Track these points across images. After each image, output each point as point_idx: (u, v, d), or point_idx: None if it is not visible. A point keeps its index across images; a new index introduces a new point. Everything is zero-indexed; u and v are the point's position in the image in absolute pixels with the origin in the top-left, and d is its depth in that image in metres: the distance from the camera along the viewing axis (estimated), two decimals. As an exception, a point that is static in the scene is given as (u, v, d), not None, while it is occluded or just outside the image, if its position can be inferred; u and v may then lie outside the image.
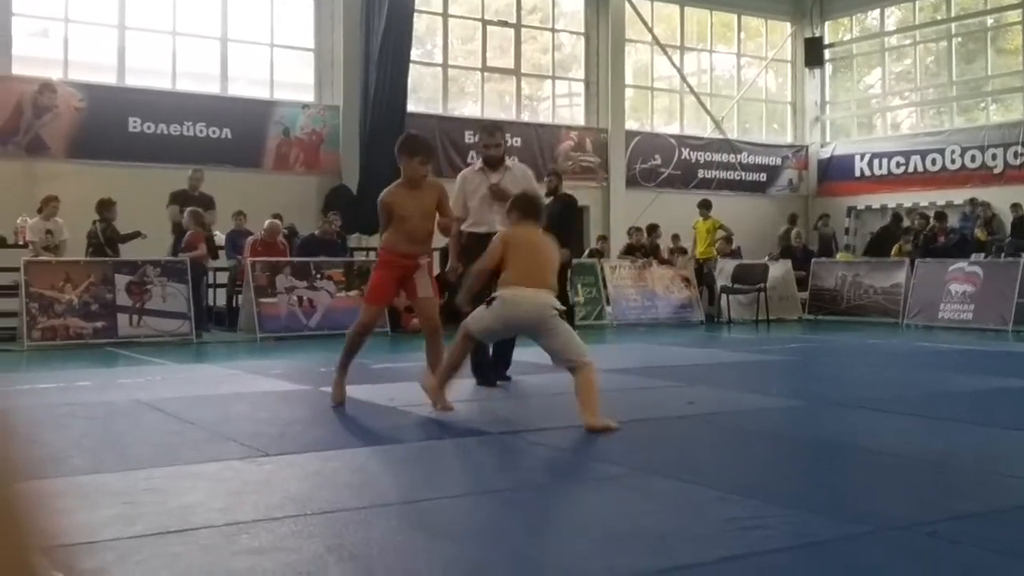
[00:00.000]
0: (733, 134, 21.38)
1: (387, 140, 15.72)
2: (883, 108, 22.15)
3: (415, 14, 16.42)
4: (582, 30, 19.76)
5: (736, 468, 4.23)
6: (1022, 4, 19.08)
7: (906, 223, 17.18)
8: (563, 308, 5.34)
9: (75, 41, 15.01)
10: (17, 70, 14.33)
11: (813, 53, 22.11)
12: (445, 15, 18.20)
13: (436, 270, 8.96)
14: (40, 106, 14.27)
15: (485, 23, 18.65)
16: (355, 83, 16.37)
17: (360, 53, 16.36)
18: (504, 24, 18.87)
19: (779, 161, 21.82)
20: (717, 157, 20.83)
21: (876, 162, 20.94)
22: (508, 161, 7.21)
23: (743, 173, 21.18)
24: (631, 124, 20.06)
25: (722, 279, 15.29)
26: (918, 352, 10.29)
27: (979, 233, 16.56)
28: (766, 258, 16.36)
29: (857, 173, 21.32)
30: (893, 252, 15.82)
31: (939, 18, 20.80)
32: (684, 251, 16.22)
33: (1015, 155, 18.61)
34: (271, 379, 7.48)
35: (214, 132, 15.53)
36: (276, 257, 12.44)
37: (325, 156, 16.52)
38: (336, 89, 16.61)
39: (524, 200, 5.66)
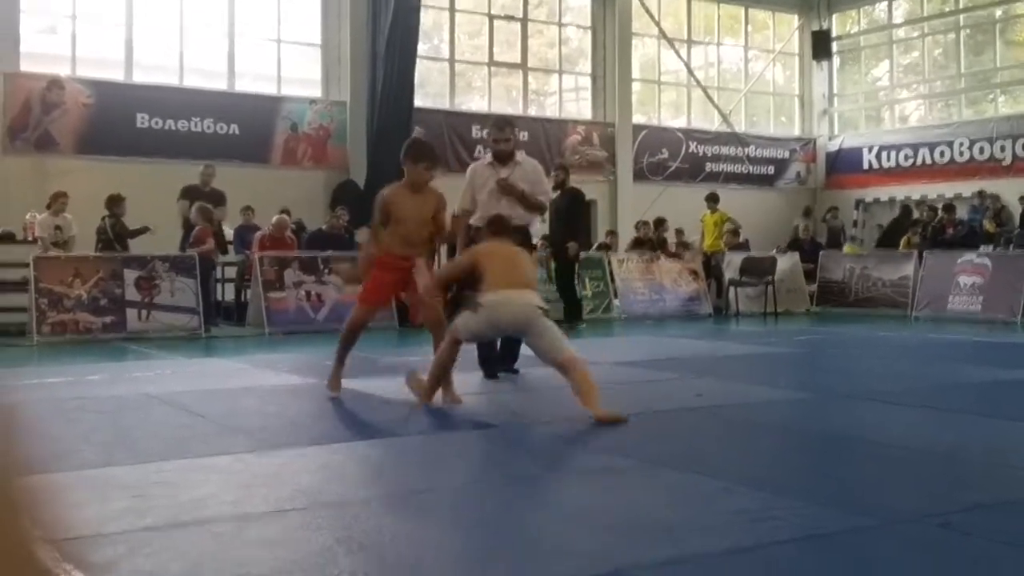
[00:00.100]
0: (741, 127, 21.33)
1: (394, 135, 15.73)
2: (891, 100, 22.08)
3: (422, 9, 16.42)
4: (589, 24, 19.72)
5: (744, 460, 4.23)
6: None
7: (916, 215, 17.13)
8: (547, 307, 5.46)
9: (83, 38, 15.03)
10: (25, 67, 14.36)
11: (821, 46, 22.03)
12: (452, 10, 18.18)
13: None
14: (48, 102, 14.31)
15: (492, 18, 18.63)
16: (362, 78, 16.37)
17: (367, 48, 16.36)
18: (511, 18, 18.85)
19: (787, 154, 21.76)
20: (725, 150, 20.79)
21: (884, 155, 20.88)
22: (518, 156, 7.22)
23: (751, 166, 21.13)
24: (638, 118, 20.02)
25: (730, 272, 15.26)
26: (927, 344, 10.27)
27: (988, 225, 16.50)
28: (774, 251, 16.33)
29: (865, 166, 21.25)
30: (901, 244, 15.78)
31: (947, 10, 20.71)
32: (687, 245, 16.21)
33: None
34: (280, 373, 7.51)
35: (222, 128, 15.54)
36: (284, 252, 12.46)
37: (332, 151, 16.53)
38: (343, 84, 16.61)
39: (495, 221, 5.98)
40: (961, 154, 19.49)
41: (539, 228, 8.39)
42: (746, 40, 21.89)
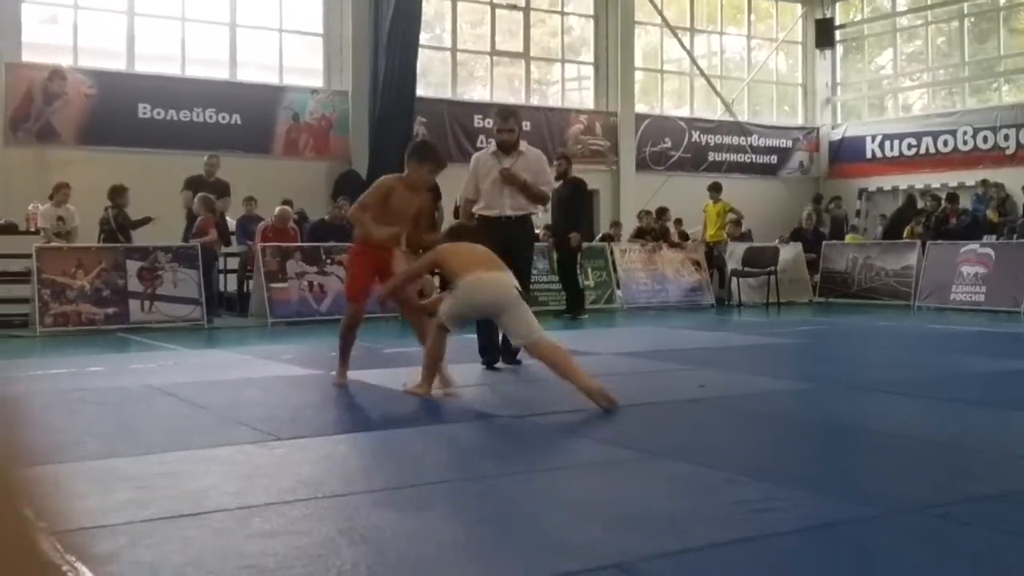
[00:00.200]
0: (743, 116, 21.29)
1: (396, 125, 15.76)
2: (894, 89, 22.02)
3: (424, -2, 16.39)
4: (591, 13, 19.67)
5: (747, 451, 4.23)
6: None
7: (920, 205, 17.09)
8: (522, 289, 5.56)
9: (84, 27, 15.02)
10: (27, 57, 14.36)
11: (824, 34, 21.97)
12: (454, -1, 18.15)
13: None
14: (50, 93, 14.30)
15: (494, 6, 18.58)
16: (364, 68, 16.35)
17: (369, 38, 16.33)
18: (513, 7, 18.80)
19: (790, 143, 21.72)
20: (727, 140, 20.75)
21: (887, 144, 20.83)
22: (522, 146, 7.22)
23: (754, 156, 21.10)
24: (641, 107, 19.98)
25: (732, 262, 15.25)
26: (930, 334, 10.25)
27: (991, 215, 16.47)
28: (776, 241, 16.30)
29: (868, 155, 21.22)
30: (905, 234, 15.75)
31: (951, -2, 20.65)
32: (686, 236, 16.19)
33: (1027, 136, 18.51)
34: (282, 364, 7.51)
35: (224, 118, 15.53)
36: (287, 243, 12.46)
37: (334, 141, 16.51)
38: (345, 74, 16.59)
39: (456, 228, 6.25)
40: (965, 143, 19.45)
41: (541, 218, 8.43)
42: (749, 29, 21.83)
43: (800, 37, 22.28)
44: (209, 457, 3.98)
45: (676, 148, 20.08)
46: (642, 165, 19.62)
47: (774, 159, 21.45)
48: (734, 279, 15.09)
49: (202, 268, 11.55)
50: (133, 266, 11.26)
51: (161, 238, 12.10)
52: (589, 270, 13.96)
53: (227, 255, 13.28)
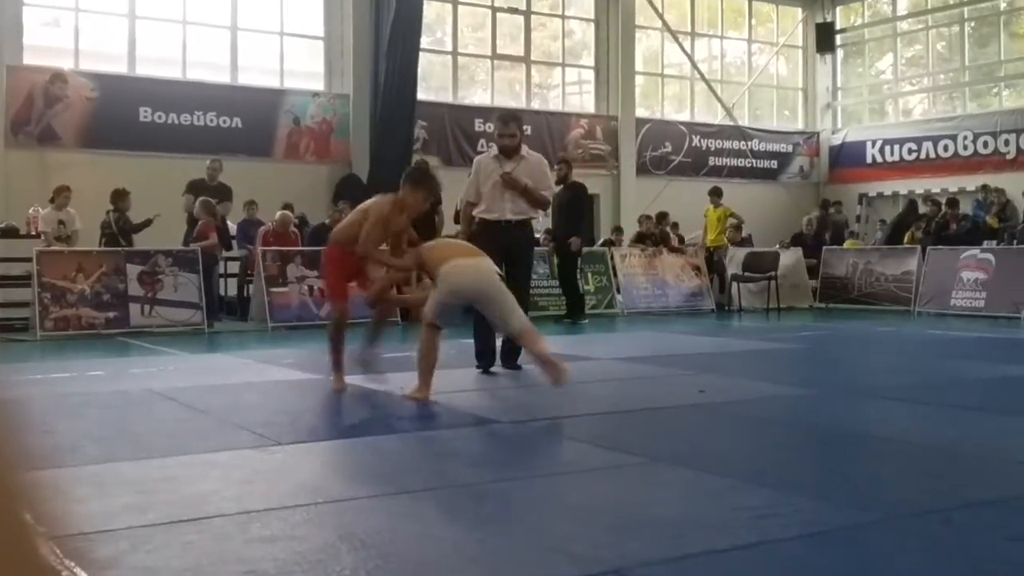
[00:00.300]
0: (744, 121, 21.29)
1: (397, 129, 15.77)
2: (895, 94, 22.02)
3: (425, 1, 16.38)
4: (592, 17, 19.68)
5: (747, 456, 4.23)
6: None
7: (922, 210, 17.08)
8: (503, 273, 5.63)
9: (86, 31, 15.03)
10: (28, 60, 14.36)
11: (824, 39, 21.98)
12: (455, 2, 18.14)
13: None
14: (51, 96, 14.30)
15: (495, 10, 18.59)
16: (365, 71, 16.35)
17: (370, 41, 16.34)
18: (514, 11, 18.81)
19: (790, 148, 21.72)
20: (728, 144, 20.75)
21: (888, 148, 20.83)
22: (524, 151, 7.24)
23: (754, 160, 21.10)
24: (641, 111, 19.98)
25: (732, 267, 15.24)
26: (930, 340, 10.25)
27: (991, 220, 16.45)
28: (777, 246, 16.30)
29: (869, 160, 21.21)
30: (905, 239, 15.75)
31: (951, 2, 20.62)
32: (682, 240, 16.19)
33: (1028, 141, 18.51)
34: (282, 368, 7.51)
35: (225, 121, 15.54)
36: (287, 247, 12.47)
37: (335, 145, 16.51)
38: (346, 78, 16.59)
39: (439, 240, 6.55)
40: (965, 148, 19.44)
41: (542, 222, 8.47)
42: (750, 33, 21.84)
43: (801, 41, 22.29)
44: (209, 462, 3.98)
45: (677, 152, 20.09)
46: (643, 169, 19.62)
47: (774, 164, 21.45)
48: (734, 284, 15.09)
49: (203, 272, 11.55)
50: (133, 270, 11.26)
51: (162, 242, 12.09)
52: (589, 275, 13.95)
53: (228, 259, 13.28)
